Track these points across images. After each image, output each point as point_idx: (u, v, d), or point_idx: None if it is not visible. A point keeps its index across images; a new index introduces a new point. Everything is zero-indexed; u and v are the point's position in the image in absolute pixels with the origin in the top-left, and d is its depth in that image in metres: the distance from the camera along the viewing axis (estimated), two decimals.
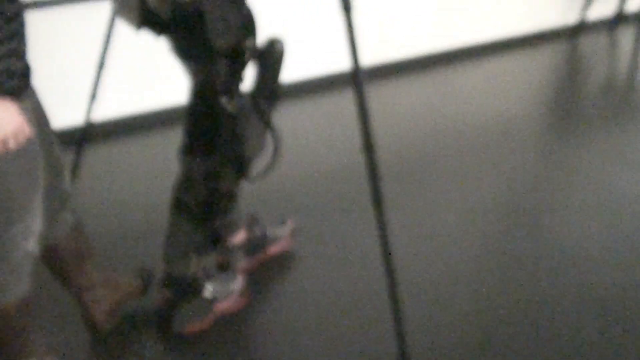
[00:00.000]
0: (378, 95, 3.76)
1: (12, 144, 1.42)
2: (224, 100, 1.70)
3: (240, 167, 1.82)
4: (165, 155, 3.08)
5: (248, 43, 1.69)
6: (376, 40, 3.96)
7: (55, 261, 1.84)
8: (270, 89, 1.77)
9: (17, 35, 1.40)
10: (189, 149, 1.82)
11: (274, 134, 1.81)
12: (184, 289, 1.97)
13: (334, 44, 3.76)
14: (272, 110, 1.79)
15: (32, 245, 1.62)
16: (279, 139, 1.81)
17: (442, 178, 2.85)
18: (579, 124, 3.40)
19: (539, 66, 4.31)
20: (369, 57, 3.95)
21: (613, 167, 2.91)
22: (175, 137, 3.18)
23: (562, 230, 2.45)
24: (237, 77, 1.72)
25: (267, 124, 1.79)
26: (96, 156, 3.08)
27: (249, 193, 2.51)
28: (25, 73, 1.46)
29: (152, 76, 3.34)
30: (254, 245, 2.24)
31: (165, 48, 1.88)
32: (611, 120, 3.44)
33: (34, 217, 1.60)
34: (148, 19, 1.66)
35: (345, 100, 3.59)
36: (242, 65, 1.72)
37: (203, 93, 1.74)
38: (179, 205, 1.89)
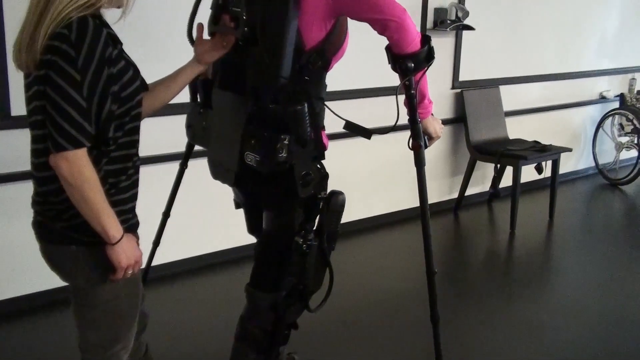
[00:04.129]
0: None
1: (133, 272, 1.66)
2: (299, 240, 1.98)
3: (303, 299, 2.05)
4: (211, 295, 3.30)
5: (322, 195, 2.02)
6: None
7: None
8: (331, 232, 2.08)
9: (137, 183, 1.72)
10: (258, 283, 2.07)
11: (331, 270, 2.10)
12: None
13: None
14: (331, 250, 2.10)
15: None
16: (334, 274, 2.10)
17: None
18: (467, 294, 3.69)
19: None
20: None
21: (502, 334, 3.17)
22: (219, 279, 3.44)
23: None
24: (310, 221, 2.03)
25: (327, 262, 2.08)
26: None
27: None
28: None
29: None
30: None
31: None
32: (496, 288, 3.77)
33: (132, 336, 1.81)
34: (242, 177, 1.99)
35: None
36: (316, 212, 2.03)
37: (280, 234, 2.03)
38: (245, 335, 2.09)
